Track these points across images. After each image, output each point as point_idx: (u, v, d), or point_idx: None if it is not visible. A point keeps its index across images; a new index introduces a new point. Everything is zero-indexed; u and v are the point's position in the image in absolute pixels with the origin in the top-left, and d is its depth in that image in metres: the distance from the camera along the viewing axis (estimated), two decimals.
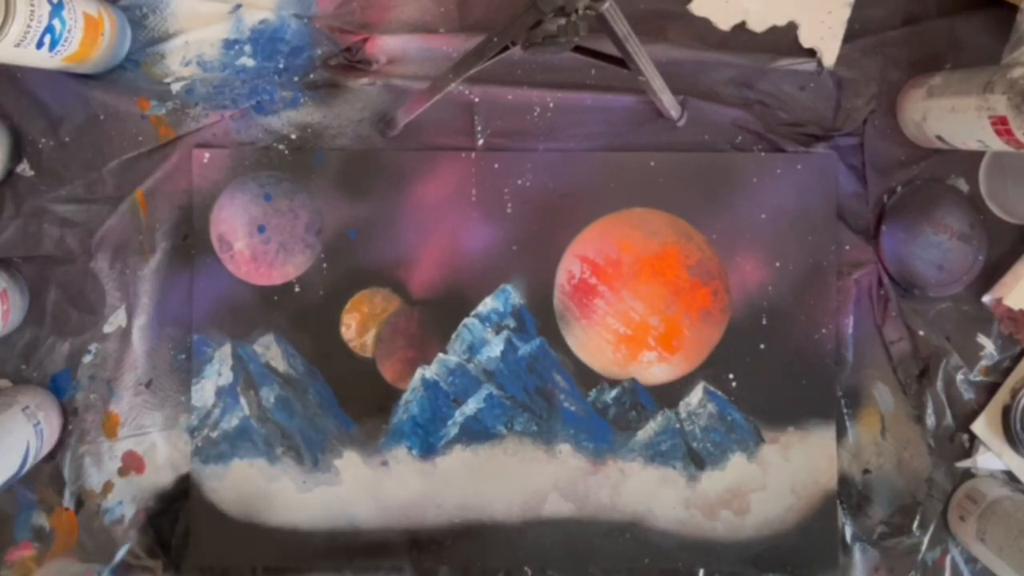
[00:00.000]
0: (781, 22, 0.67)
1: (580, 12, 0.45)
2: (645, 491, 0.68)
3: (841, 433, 0.68)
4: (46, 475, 0.68)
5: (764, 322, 0.68)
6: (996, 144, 0.58)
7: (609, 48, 0.53)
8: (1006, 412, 0.67)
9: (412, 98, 0.63)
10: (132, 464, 0.69)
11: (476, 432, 0.68)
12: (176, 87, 0.68)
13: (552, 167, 0.68)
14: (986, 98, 0.56)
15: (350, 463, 0.68)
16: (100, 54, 0.64)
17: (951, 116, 0.60)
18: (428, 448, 0.68)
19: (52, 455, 0.68)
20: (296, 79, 0.68)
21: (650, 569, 0.68)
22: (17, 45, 0.56)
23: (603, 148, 0.68)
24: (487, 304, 0.68)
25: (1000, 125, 0.56)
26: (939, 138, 0.63)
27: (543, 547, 0.68)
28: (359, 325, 0.68)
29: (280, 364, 0.69)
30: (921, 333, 0.68)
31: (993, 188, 0.68)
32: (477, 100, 0.68)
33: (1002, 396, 0.67)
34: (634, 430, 0.68)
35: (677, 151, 0.68)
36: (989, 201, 0.68)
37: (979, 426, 0.67)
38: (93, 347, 0.68)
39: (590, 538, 0.68)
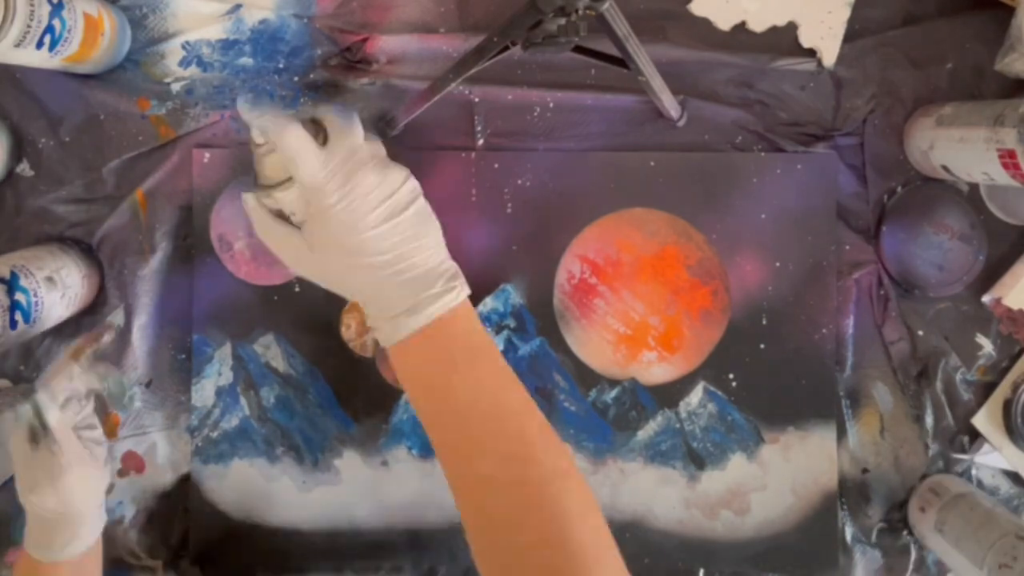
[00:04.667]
0: (781, 22, 0.67)
1: (580, 12, 0.45)
2: (645, 491, 0.68)
3: (841, 433, 0.68)
4: None
5: (764, 322, 0.68)
6: (1002, 177, 0.58)
7: (609, 48, 0.53)
8: (1007, 406, 0.67)
9: (412, 98, 0.63)
10: (132, 464, 0.69)
11: None
12: (176, 87, 0.68)
13: (552, 167, 0.68)
14: (996, 131, 0.57)
15: (350, 463, 0.68)
16: (100, 54, 0.64)
17: (959, 146, 0.61)
18: (428, 448, 0.68)
19: None
20: (296, 79, 0.68)
21: (650, 569, 0.68)
22: (17, 45, 0.56)
23: (603, 148, 0.68)
24: (487, 304, 0.68)
25: (1008, 159, 0.56)
26: (944, 168, 0.64)
27: None
28: (359, 325, 0.68)
29: (280, 364, 0.69)
30: (920, 333, 0.68)
31: (993, 188, 0.68)
32: (477, 100, 0.68)
33: (1003, 390, 0.67)
34: (634, 430, 0.68)
35: (677, 151, 0.68)
36: (989, 201, 0.68)
37: (980, 420, 0.68)
38: (91, 348, 0.68)
39: None
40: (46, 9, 0.56)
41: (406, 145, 0.68)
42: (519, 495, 0.48)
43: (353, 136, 0.51)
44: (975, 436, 0.68)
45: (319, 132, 0.51)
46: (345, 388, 0.69)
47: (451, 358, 0.50)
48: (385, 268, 0.50)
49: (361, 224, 0.49)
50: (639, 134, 0.68)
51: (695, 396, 0.68)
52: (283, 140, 0.49)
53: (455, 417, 0.50)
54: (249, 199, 0.52)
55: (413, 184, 0.52)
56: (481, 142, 0.68)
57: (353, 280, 0.51)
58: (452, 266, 0.52)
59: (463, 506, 0.50)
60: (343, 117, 0.51)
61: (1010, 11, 0.65)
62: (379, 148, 0.53)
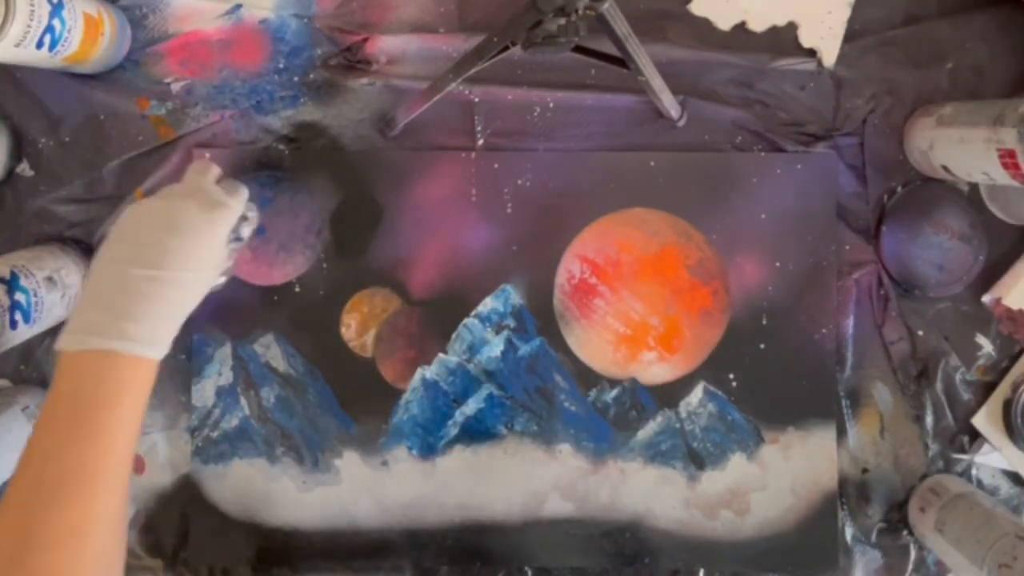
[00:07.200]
0: (781, 22, 0.67)
1: (580, 12, 0.45)
2: (645, 491, 0.68)
3: (841, 433, 0.68)
4: None
5: (764, 322, 0.68)
6: (1002, 178, 0.58)
7: (609, 48, 0.53)
8: (1007, 406, 0.67)
9: (412, 98, 0.63)
10: (132, 464, 0.69)
11: (476, 432, 0.68)
12: (176, 87, 0.68)
13: (552, 167, 0.68)
14: (996, 131, 0.57)
15: (350, 463, 0.68)
16: (100, 54, 0.64)
17: (959, 146, 0.61)
18: (428, 448, 0.68)
19: None
20: (296, 79, 0.68)
21: (650, 569, 0.68)
22: (17, 45, 0.56)
23: (603, 148, 0.68)
24: (487, 304, 0.68)
25: (1008, 159, 0.56)
26: (944, 168, 0.64)
27: (543, 547, 0.68)
28: (359, 325, 0.68)
29: (280, 364, 0.69)
30: (920, 333, 0.68)
31: (993, 189, 0.68)
32: (477, 100, 0.68)
33: (1003, 390, 0.67)
34: (634, 430, 0.68)
35: (677, 151, 0.68)
36: (989, 201, 0.68)
37: (980, 420, 0.68)
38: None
39: (590, 538, 0.68)
40: (46, 9, 0.56)
41: (406, 145, 0.68)
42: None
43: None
44: (975, 436, 0.68)
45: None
46: (345, 388, 0.69)
47: (104, 398, 0.47)
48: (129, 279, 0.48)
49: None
50: (639, 134, 0.68)
51: (695, 396, 0.68)
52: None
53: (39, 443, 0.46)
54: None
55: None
56: (481, 142, 0.68)
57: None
58: (156, 333, 0.49)
59: None
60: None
61: (1012, 11, 0.65)
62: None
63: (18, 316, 0.58)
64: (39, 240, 0.68)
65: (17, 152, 0.68)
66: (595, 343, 0.68)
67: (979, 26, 0.67)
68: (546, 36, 0.47)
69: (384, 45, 0.68)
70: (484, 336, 0.68)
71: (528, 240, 0.68)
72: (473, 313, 0.68)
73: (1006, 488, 0.69)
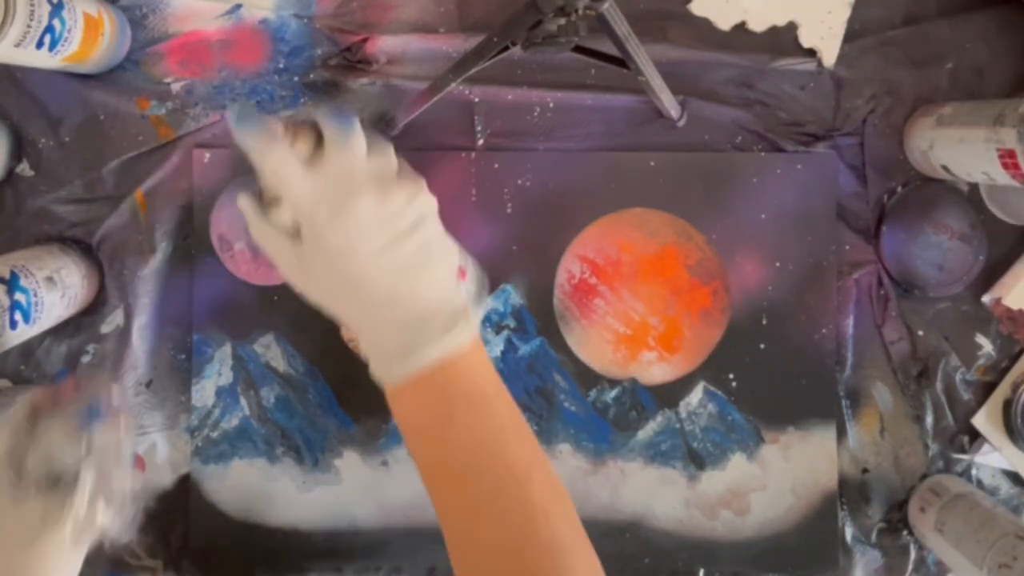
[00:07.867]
0: (781, 22, 0.67)
1: (580, 12, 0.45)
2: (645, 491, 0.68)
3: (841, 433, 0.68)
4: None
5: (764, 322, 0.68)
6: (1002, 177, 0.58)
7: (609, 48, 0.53)
8: (1007, 406, 0.67)
9: (412, 98, 0.63)
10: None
11: None
12: (176, 87, 0.68)
13: (552, 167, 0.68)
14: (996, 131, 0.57)
15: (350, 463, 0.68)
16: (100, 54, 0.64)
17: (959, 146, 0.61)
18: None
19: None
20: (296, 79, 0.68)
21: (650, 569, 0.68)
22: (17, 45, 0.56)
23: (603, 148, 0.68)
24: (487, 304, 0.68)
25: (1007, 159, 0.56)
26: (944, 168, 0.64)
27: None
28: None
29: (280, 364, 0.69)
30: (920, 333, 0.68)
31: (993, 189, 0.68)
32: (477, 100, 0.68)
33: (1003, 390, 0.67)
34: (634, 430, 0.68)
35: (677, 151, 0.68)
36: (989, 201, 0.68)
37: (979, 420, 0.68)
38: (91, 348, 0.68)
39: (589, 538, 0.68)
40: (46, 9, 0.56)
41: (406, 145, 0.68)
42: (517, 569, 0.43)
43: (349, 153, 0.44)
44: (975, 436, 0.68)
45: (317, 139, 0.45)
46: (345, 388, 0.69)
47: (447, 409, 0.45)
48: (379, 304, 0.44)
49: (352, 255, 0.44)
50: (639, 134, 0.68)
51: (695, 396, 0.68)
52: (265, 164, 0.44)
53: (450, 476, 0.45)
54: (244, 200, 0.47)
55: (420, 208, 0.46)
56: (481, 142, 0.68)
57: (344, 311, 0.46)
58: (457, 303, 0.46)
59: (457, 569, 0.45)
60: (341, 128, 0.44)
61: (1012, 11, 0.65)
62: (385, 161, 0.46)
63: (18, 316, 0.58)
64: (39, 240, 0.68)
65: (17, 152, 0.68)
66: (595, 343, 0.68)
67: (979, 26, 0.67)
68: (546, 36, 0.47)
69: (384, 45, 0.68)
70: (484, 336, 0.68)
71: (528, 240, 0.68)
72: None
73: (1006, 488, 0.69)
